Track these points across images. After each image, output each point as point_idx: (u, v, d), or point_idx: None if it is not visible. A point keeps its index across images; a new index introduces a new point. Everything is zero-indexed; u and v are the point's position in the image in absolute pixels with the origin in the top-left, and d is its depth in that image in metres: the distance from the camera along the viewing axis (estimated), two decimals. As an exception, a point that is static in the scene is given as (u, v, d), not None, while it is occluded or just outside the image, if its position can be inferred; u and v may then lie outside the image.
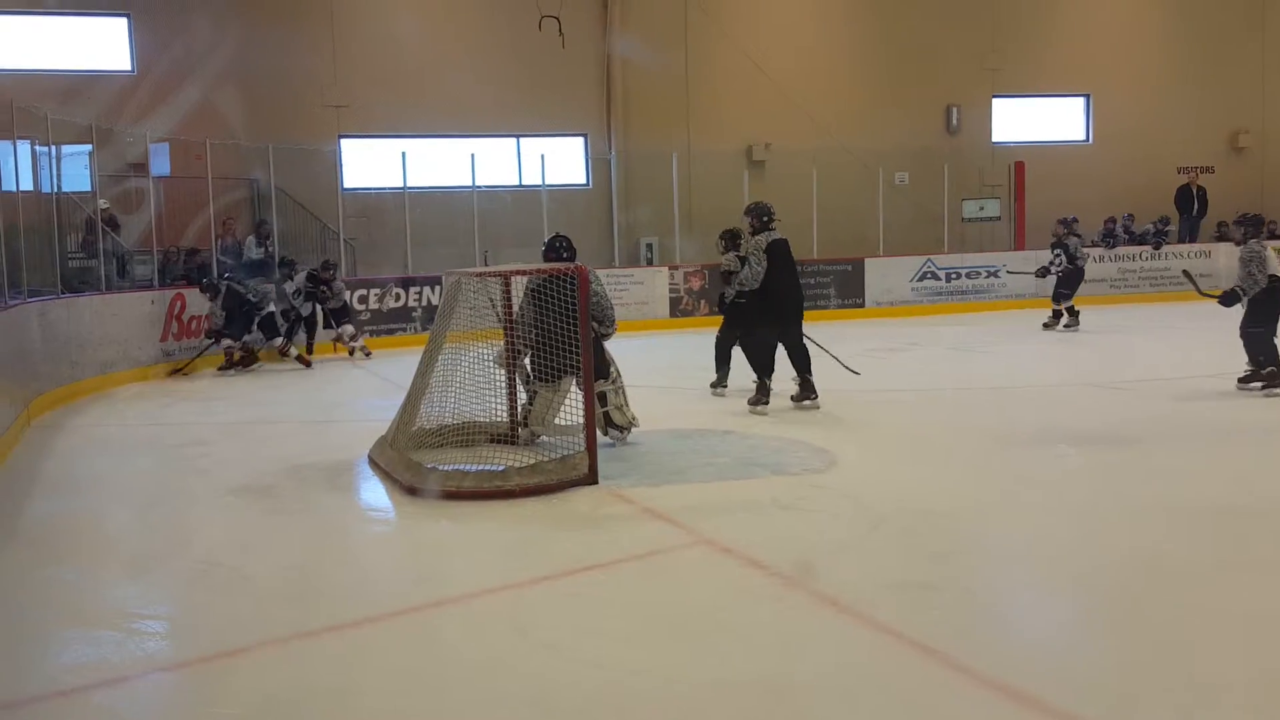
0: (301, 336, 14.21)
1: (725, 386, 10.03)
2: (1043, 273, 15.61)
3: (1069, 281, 15.24)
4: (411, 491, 6.50)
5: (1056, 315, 15.32)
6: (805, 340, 9.13)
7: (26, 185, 10.81)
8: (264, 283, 13.94)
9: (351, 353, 14.51)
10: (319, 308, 14.27)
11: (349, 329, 14.56)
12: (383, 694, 3.75)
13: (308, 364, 13.66)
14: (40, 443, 8.77)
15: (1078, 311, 15.25)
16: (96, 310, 12.11)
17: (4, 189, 9.58)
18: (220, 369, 13.21)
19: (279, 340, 13.69)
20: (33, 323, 10.12)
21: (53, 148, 11.89)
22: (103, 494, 7.15)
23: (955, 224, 20.42)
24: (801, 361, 9.05)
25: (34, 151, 11.25)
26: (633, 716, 3.56)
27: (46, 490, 7.21)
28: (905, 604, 4.40)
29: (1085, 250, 15.84)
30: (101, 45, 16.69)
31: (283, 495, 6.81)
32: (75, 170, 13.16)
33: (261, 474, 7.33)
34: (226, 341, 13.17)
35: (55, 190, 12.16)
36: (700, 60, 19.84)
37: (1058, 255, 15.30)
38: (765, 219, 8.97)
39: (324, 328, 14.49)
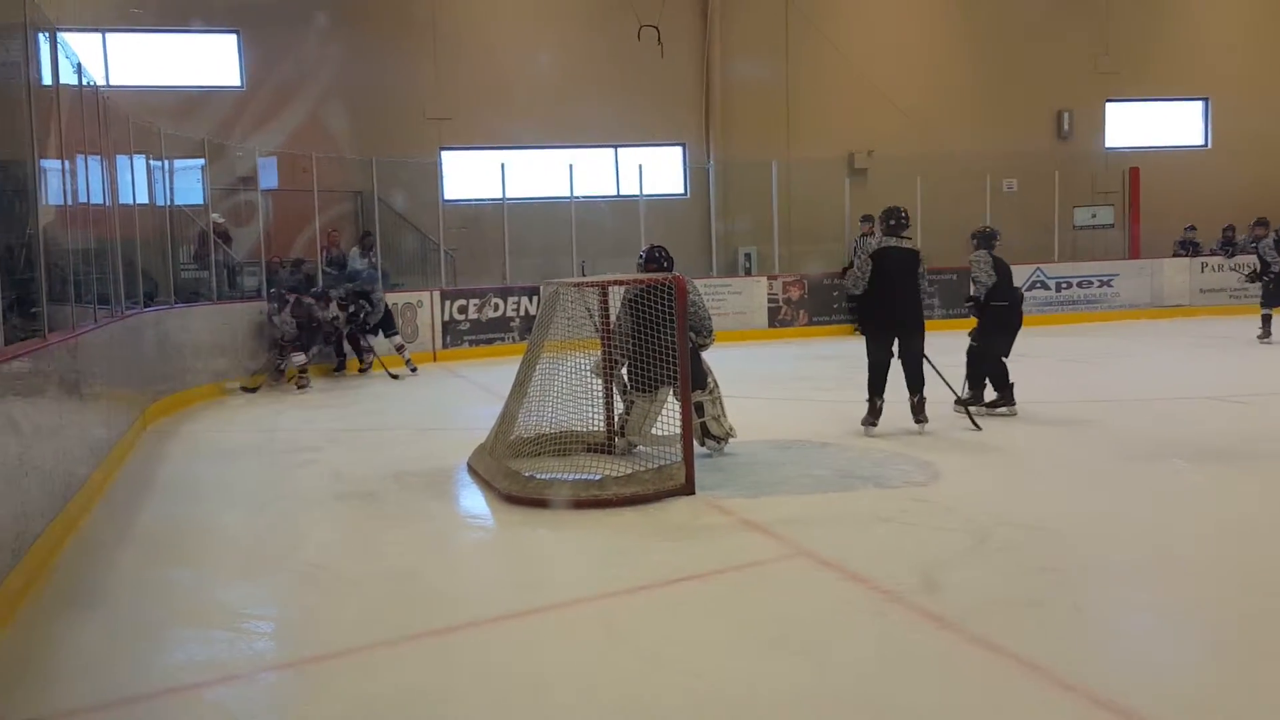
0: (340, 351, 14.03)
1: (1013, 404, 9.20)
2: (1253, 277, 14.91)
3: (1269, 286, 14.56)
4: (510, 499, 6.55)
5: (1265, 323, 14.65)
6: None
7: (142, 199, 11.18)
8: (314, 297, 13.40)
9: (393, 374, 13.70)
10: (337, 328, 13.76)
11: (397, 339, 14.36)
12: (480, 698, 3.79)
13: (304, 385, 12.84)
14: (155, 448, 9.05)
15: (1269, 319, 14.53)
16: (209, 319, 12.49)
17: (122, 202, 9.92)
18: (292, 382, 12.85)
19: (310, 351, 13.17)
20: (148, 331, 10.46)
21: (166, 162, 12.29)
22: (214, 498, 7.34)
23: (1066, 232, 19.92)
24: (914, 379, 8.48)
25: (149, 166, 11.63)
26: (730, 729, 3.52)
27: (161, 494, 7.43)
28: (1011, 621, 4.29)
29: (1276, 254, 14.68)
30: (213, 62, 17.26)
31: (386, 501, 6.93)
32: (188, 184, 13.56)
33: (366, 480, 7.47)
34: (300, 357, 12.88)
35: (169, 203, 12.57)
36: (801, 67, 19.70)
37: (1254, 258, 14.91)
38: (888, 223, 8.59)
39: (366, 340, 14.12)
